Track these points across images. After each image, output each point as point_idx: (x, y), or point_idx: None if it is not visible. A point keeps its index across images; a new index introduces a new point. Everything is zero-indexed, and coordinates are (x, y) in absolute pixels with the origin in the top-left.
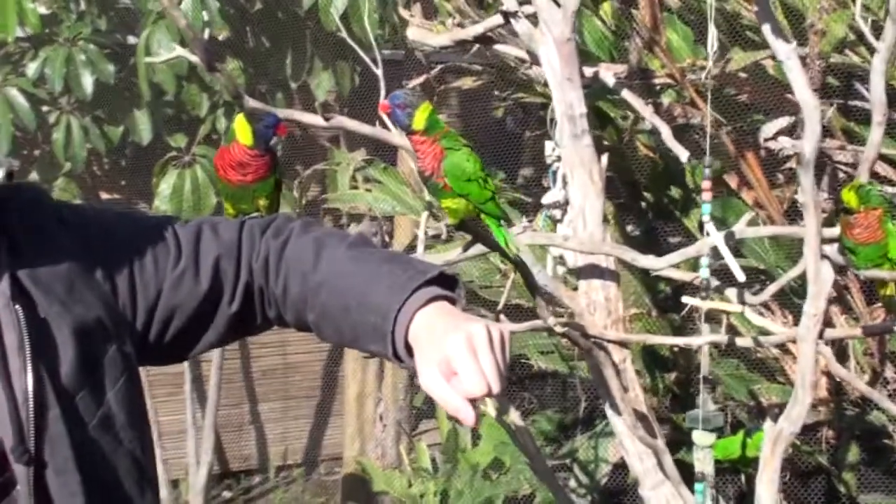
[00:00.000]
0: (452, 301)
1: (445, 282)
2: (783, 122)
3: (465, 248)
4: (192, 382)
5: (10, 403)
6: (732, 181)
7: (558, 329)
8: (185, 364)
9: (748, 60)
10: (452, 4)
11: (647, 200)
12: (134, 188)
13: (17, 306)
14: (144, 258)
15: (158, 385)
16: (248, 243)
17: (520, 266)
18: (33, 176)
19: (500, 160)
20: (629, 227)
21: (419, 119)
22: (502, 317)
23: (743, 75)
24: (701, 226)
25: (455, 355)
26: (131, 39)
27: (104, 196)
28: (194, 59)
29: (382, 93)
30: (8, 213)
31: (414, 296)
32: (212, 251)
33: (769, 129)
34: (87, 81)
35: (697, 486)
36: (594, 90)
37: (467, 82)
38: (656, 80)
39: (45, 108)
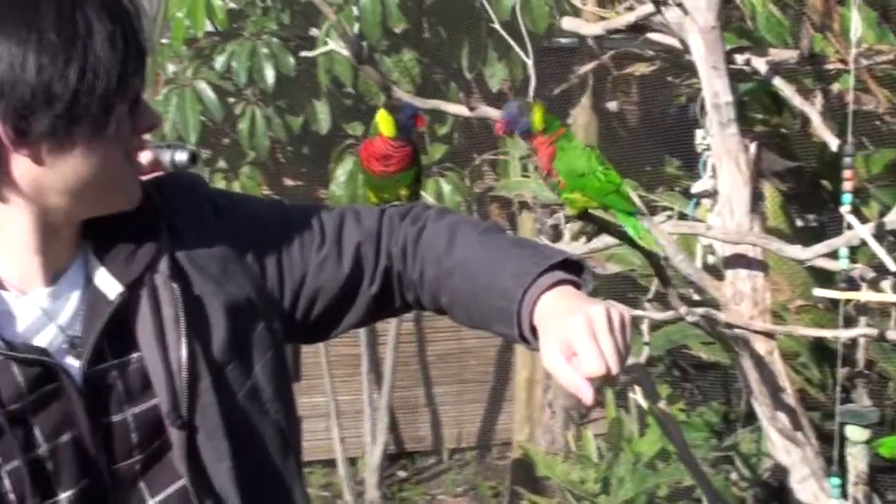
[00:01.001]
0: (577, 286)
1: (572, 267)
2: None
3: (589, 239)
4: (369, 364)
5: (167, 372)
6: None
7: (690, 319)
8: (363, 346)
9: None
10: None
11: (824, 189)
12: (314, 175)
13: (174, 284)
14: (291, 243)
15: (337, 366)
16: (388, 230)
17: (650, 256)
18: (220, 164)
19: (679, 148)
20: (809, 216)
21: (538, 119)
22: (648, 305)
23: None
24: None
25: (575, 336)
26: (313, 31)
27: (287, 182)
28: (345, 52)
29: (532, 83)
30: (168, 198)
31: (539, 279)
32: (354, 237)
33: None
34: (270, 73)
35: (833, 480)
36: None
37: (640, 68)
38: (829, 66)
39: (231, 100)
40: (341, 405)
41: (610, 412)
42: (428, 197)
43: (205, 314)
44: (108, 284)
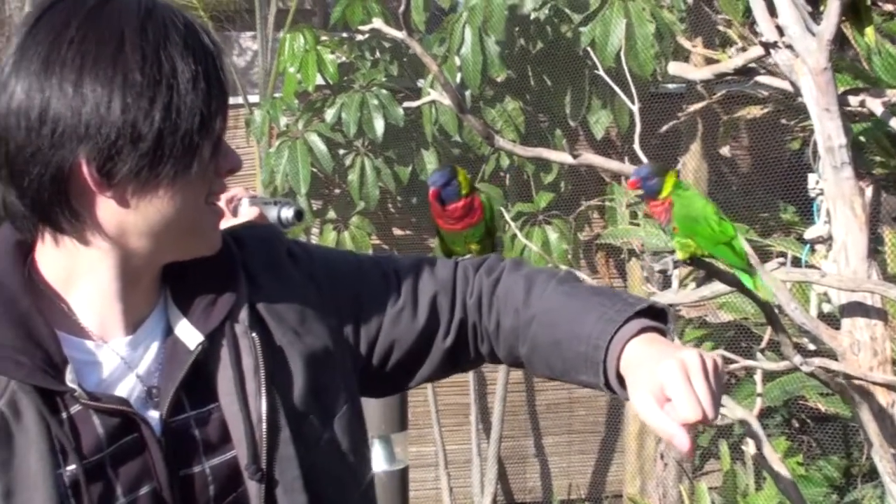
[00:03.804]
0: (663, 333)
1: (656, 314)
2: None
3: (699, 285)
4: (477, 413)
5: (246, 423)
6: None
7: (806, 370)
8: (472, 395)
9: None
10: (736, 31)
11: None
12: (422, 224)
13: (253, 334)
14: (367, 294)
15: (446, 415)
16: (463, 281)
17: (763, 304)
18: (331, 214)
19: (793, 193)
20: None
21: (668, 186)
22: (761, 355)
23: None
24: None
25: (668, 381)
26: (420, 83)
27: (396, 232)
28: (447, 102)
29: (638, 128)
30: (247, 249)
31: (625, 327)
32: (429, 289)
33: None
34: (379, 124)
35: None
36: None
37: (752, 111)
38: None
39: (341, 151)
40: (450, 455)
41: (725, 464)
42: (533, 245)
43: (284, 365)
44: (188, 334)
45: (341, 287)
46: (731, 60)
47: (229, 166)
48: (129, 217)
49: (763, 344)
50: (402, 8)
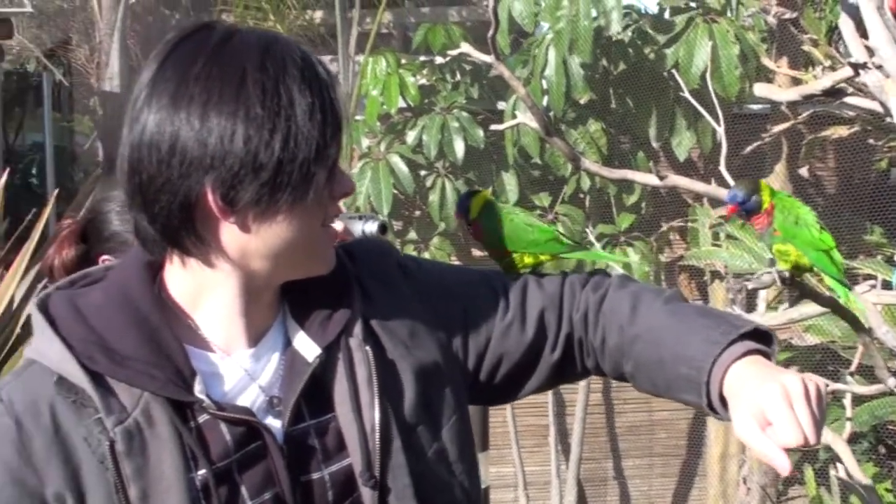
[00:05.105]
0: (767, 356)
1: (760, 337)
2: None
3: (793, 303)
4: (557, 434)
5: (360, 433)
6: None
7: None
8: (551, 416)
9: None
10: (822, 51)
11: None
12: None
13: (367, 347)
14: (477, 308)
15: (525, 436)
16: (570, 296)
17: (858, 326)
18: (411, 235)
19: (880, 215)
20: None
21: (766, 197)
22: (850, 378)
23: None
24: None
25: (770, 405)
26: (500, 105)
27: (475, 253)
28: (534, 125)
29: (724, 151)
30: (359, 263)
31: (729, 349)
32: (537, 303)
33: None
34: (459, 146)
35: None
36: None
37: (838, 131)
38: None
39: (422, 173)
40: (529, 476)
41: (810, 490)
42: (617, 266)
43: (396, 378)
44: (307, 347)
45: (451, 301)
46: (819, 81)
47: (343, 190)
48: (250, 241)
49: (853, 367)
50: (490, 32)
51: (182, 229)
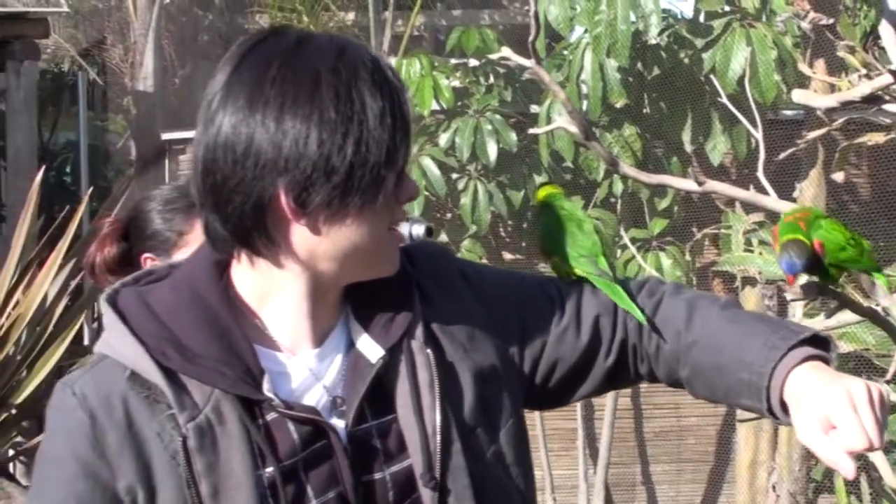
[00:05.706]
0: (826, 361)
1: (818, 343)
2: None
3: (829, 315)
4: (584, 439)
5: (422, 435)
6: None
7: None
8: (579, 421)
9: None
10: (859, 58)
11: None
12: (533, 249)
13: (428, 350)
14: (533, 313)
15: (553, 440)
16: None
17: (891, 333)
18: (443, 237)
19: None
20: None
21: (808, 239)
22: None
23: None
24: None
25: (834, 410)
26: (534, 108)
27: (507, 256)
28: (573, 129)
29: (762, 157)
30: (419, 267)
31: (789, 354)
32: (592, 310)
33: None
34: (492, 149)
35: None
36: None
37: (875, 137)
38: None
39: (454, 175)
40: (556, 479)
41: (841, 498)
42: (651, 269)
43: (455, 380)
44: (370, 348)
45: (508, 306)
46: (858, 88)
47: (409, 194)
48: (319, 243)
49: (889, 375)
50: (531, 37)
51: (254, 230)
